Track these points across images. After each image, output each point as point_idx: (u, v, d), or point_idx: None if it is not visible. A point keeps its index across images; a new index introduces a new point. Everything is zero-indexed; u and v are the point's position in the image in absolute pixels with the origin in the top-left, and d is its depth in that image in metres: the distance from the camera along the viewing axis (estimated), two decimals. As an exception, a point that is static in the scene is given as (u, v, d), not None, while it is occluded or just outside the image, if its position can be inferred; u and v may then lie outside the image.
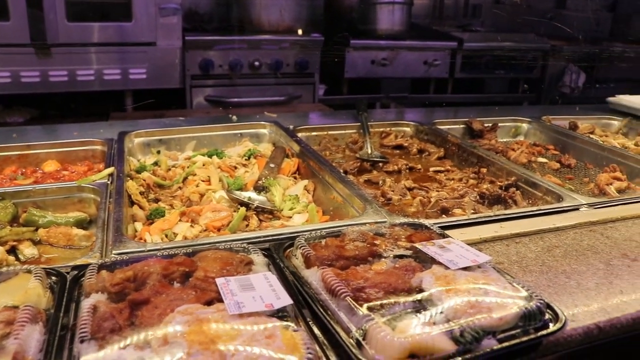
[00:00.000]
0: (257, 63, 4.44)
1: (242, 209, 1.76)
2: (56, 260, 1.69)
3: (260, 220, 1.79)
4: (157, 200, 1.94)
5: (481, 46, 5.19)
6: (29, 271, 1.20)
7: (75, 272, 1.24)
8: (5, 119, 4.17)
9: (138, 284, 1.14)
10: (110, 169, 1.98)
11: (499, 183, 2.13)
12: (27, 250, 1.72)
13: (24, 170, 2.31)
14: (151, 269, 1.16)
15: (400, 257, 1.28)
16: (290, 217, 1.81)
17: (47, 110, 4.35)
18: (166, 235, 1.66)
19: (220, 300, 1.06)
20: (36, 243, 1.77)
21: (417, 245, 1.32)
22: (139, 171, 2.11)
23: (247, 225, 1.74)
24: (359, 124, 2.65)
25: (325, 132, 2.61)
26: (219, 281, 1.12)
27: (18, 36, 3.86)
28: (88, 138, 2.43)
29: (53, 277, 1.22)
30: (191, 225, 1.69)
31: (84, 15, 3.97)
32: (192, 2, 4.72)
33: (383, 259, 1.26)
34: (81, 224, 1.85)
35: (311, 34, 4.70)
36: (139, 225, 1.72)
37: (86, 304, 1.07)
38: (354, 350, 1.00)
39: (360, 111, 2.70)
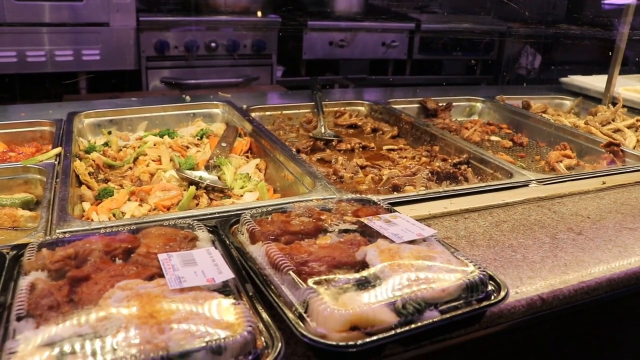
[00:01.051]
0: (213, 44, 4.38)
1: (192, 188, 1.74)
2: (0, 242, 1.65)
3: (211, 199, 1.78)
4: (106, 181, 1.91)
5: (439, 27, 5.22)
6: (-36, 251, 1.17)
7: (15, 251, 1.21)
8: (-49, 101, 4.03)
9: (79, 261, 1.12)
10: (58, 149, 1.93)
11: (451, 160, 2.16)
12: (-30, 232, 1.68)
13: (-32, 152, 2.25)
14: (93, 246, 1.14)
15: (346, 231, 1.29)
16: (241, 196, 1.80)
17: (-5, 92, 4.23)
18: (114, 215, 1.63)
19: (162, 276, 1.05)
20: (-20, 225, 1.73)
21: (363, 219, 1.33)
22: (88, 151, 2.07)
23: (197, 204, 1.73)
24: (314, 103, 2.64)
25: (279, 112, 2.60)
26: (161, 257, 1.11)
27: (-38, 15, 3.74)
28: (36, 119, 2.37)
29: (-9, 257, 1.19)
30: (140, 205, 1.67)
31: (32, -7, 3.86)
32: (147, -18, 4.63)
33: (328, 234, 1.27)
34: (28, 205, 1.81)
35: (268, 15, 4.66)
36: (87, 205, 1.70)
37: (24, 281, 1.05)
38: (296, 324, 1.00)
39: (315, 90, 2.69)
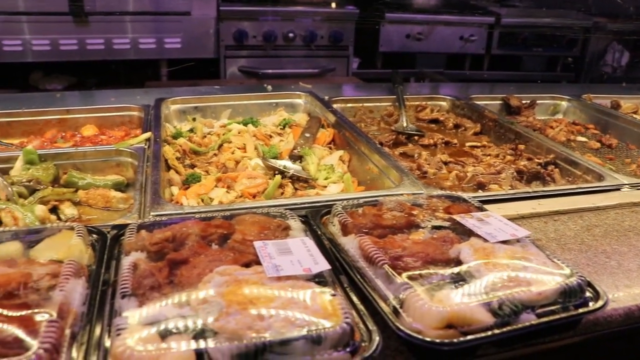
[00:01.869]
0: (291, 34, 4.41)
1: (278, 177, 1.76)
2: (95, 221, 1.72)
3: (296, 189, 1.79)
4: (192, 166, 1.96)
5: (519, 22, 5.05)
6: (71, 228, 1.22)
7: (115, 231, 1.26)
8: (45, 85, 4.23)
9: (177, 244, 1.15)
10: (148, 134, 1.99)
11: (536, 160, 2.09)
12: (68, 210, 1.76)
13: (63, 134, 2.35)
14: (189, 230, 1.17)
15: (438, 228, 1.27)
16: (326, 187, 1.81)
17: (84, 78, 4.41)
18: (202, 200, 1.67)
19: (258, 263, 1.07)
20: (76, 204, 1.80)
21: (455, 217, 1.30)
22: (175, 137, 2.12)
23: (282, 193, 1.74)
24: (395, 96, 2.62)
25: (361, 104, 2.59)
26: (257, 244, 1.12)
27: (56, 4, 3.90)
28: (124, 104, 2.45)
29: (94, 235, 1.24)
30: (227, 191, 1.70)
31: (121, -17, 4.01)
32: (227, -29, 4.69)
33: (421, 229, 1.25)
34: (119, 187, 1.87)
35: (345, 6, 4.65)
36: (175, 190, 1.74)
37: (126, 261, 1.09)
38: (392, 317, 1.00)
39: (396, 84, 2.66)
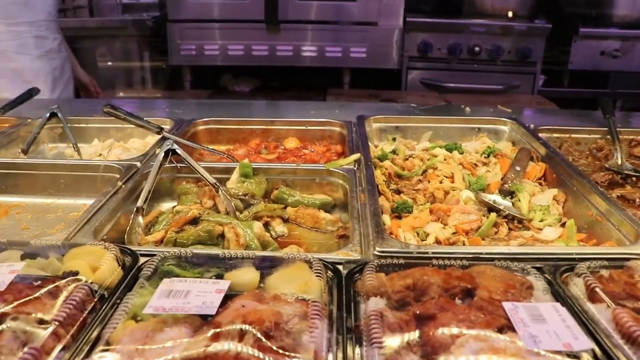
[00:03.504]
0: (477, 48, 4.28)
1: (493, 215, 1.68)
2: (302, 239, 1.75)
3: (509, 229, 1.70)
4: (398, 192, 1.93)
5: None
6: (307, 261, 1.23)
7: (352, 266, 1.26)
8: (233, 87, 4.48)
9: (417, 293, 1.13)
10: (357, 155, 1.99)
11: None
12: (278, 227, 1.81)
13: (266, 144, 2.44)
14: (431, 280, 1.13)
15: None
16: (541, 229, 1.70)
17: (269, 82, 4.61)
18: (417, 234, 1.63)
19: (510, 329, 1.01)
20: (285, 220, 1.86)
21: None
22: (381, 159, 2.11)
23: (496, 233, 1.66)
24: (605, 128, 2.41)
25: (568, 135, 2.41)
26: (507, 306, 1.06)
27: (254, 13, 4.13)
28: (326, 118, 2.50)
29: (329, 272, 1.24)
30: (443, 227, 1.65)
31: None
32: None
33: (685, 307, 1.12)
34: (325, 207, 1.90)
35: (535, 20, 4.43)
36: (387, 218, 1.71)
37: (370, 308, 1.08)
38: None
39: (607, 114, 2.45)
